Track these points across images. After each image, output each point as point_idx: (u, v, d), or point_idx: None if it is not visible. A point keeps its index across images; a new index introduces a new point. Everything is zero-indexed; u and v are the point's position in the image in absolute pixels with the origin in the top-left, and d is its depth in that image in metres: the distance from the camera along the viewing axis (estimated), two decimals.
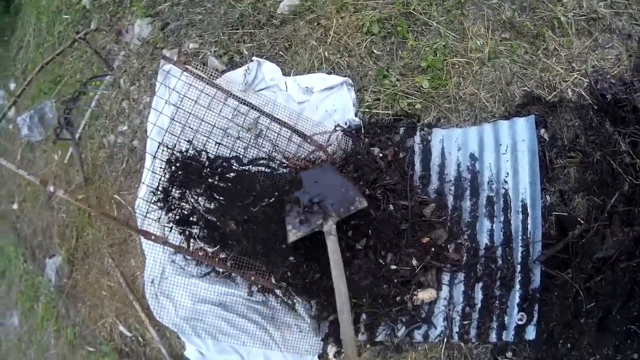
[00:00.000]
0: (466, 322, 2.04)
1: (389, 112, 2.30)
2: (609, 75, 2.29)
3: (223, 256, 2.19)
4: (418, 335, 2.08)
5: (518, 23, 2.37)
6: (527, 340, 2.00)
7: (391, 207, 2.10)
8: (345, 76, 2.42)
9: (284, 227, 2.02)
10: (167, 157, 2.23)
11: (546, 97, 2.20)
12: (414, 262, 2.04)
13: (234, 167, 2.33)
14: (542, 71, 2.27)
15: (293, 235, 1.95)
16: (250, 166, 2.36)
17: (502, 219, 2.04)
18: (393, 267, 2.04)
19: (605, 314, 2.00)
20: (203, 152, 2.25)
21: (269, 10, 2.89)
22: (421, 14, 2.47)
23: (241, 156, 2.35)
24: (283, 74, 2.62)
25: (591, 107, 2.18)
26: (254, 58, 2.70)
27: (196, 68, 2.42)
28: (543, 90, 2.23)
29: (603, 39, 2.34)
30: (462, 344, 2.06)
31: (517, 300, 1.99)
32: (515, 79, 2.28)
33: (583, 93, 2.20)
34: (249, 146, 2.34)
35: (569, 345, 2.02)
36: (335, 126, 2.31)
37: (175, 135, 2.20)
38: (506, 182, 2.07)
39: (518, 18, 2.39)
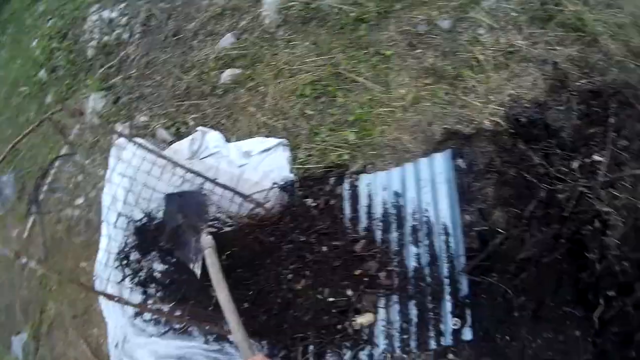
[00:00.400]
0: (405, 336, 2.22)
1: (320, 165, 2.56)
2: (523, 101, 2.58)
3: (179, 313, 2.36)
4: (363, 356, 2.24)
5: (439, 68, 2.67)
6: (465, 341, 2.19)
7: (324, 248, 2.34)
8: (281, 138, 2.69)
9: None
10: (123, 226, 2.43)
11: (464, 131, 2.48)
12: (349, 292, 2.26)
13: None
14: (462, 108, 2.54)
15: (197, 268, 2.08)
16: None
17: (426, 242, 2.29)
18: (331, 299, 2.26)
19: (538, 304, 2.22)
20: (155, 219, 2.47)
21: (212, 81, 3.22)
22: (350, 73, 2.79)
23: None
24: (225, 141, 2.88)
25: (506, 132, 2.47)
26: (198, 128, 2.96)
27: (146, 141, 2.68)
28: (462, 125, 2.50)
29: (519, 68, 2.62)
30: (404, 355, 2.23)
31: (449, 309, 2.19)
32: (436, 119, 2.55)
33: (499, 121, 2.48)
34: None
35: (507, 338, 2.23)
36: (273, 184, 2.57)
37: (130, 205, 2.41)
38: (427, 210, 2.33)
39: (439, 63, 2.69)
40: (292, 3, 3.15)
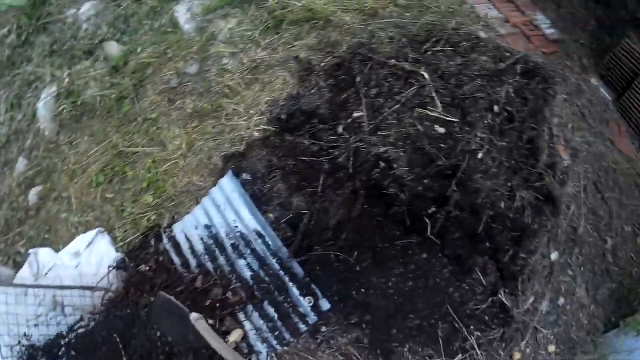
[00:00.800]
0: (277, 333, 2.51)
1: (138, 234, 2.82)
2: (279, 101, 2.94)
3: None
4: None
5: (200, 109, 3.02)
6: (326, 311, 2.50)
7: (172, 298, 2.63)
8: (97, 227, 2.90)
9: None
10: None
11: (239, 150, 2.83)
12: (210, 321, 2.57)
13: (60, 341, 2.67)
14: (231, 132, 2.90)
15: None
16: (71, 334, 2.73)
17: (249, 252, 2.62)
18: None
19: (372, 252, 2.60)
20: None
21: (23, 205, 3.33)
22: (128, 147, 3.07)
23: (62, 331, 2.70)
24: (55, 252, 3.01)
25: (273, 133, 2.84)
26: (30, 251, 3.06)
27: None
28: (236, 146, 2.85)
29: (267, 76, 3.00)
30: (285, 347, 2.53)
31: (297, 293, 2.52)
32: (213, 152, 2.89)
33: (265, 127, 2.85)
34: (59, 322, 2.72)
35: (362, 290, 2.59)
36: (108, 268, 2.78)
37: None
38: (236, 226, 2.66)
39: (199, 104, 3.03)
40: (61, 107, 3.36)
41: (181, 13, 3.39)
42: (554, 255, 3.19)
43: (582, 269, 3.39)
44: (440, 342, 2.67)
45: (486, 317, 2.81)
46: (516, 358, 2.90)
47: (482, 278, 2.80)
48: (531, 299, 2.96)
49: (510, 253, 2.83)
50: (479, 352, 2.70)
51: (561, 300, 3.18)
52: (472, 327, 2.78)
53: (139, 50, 3.38)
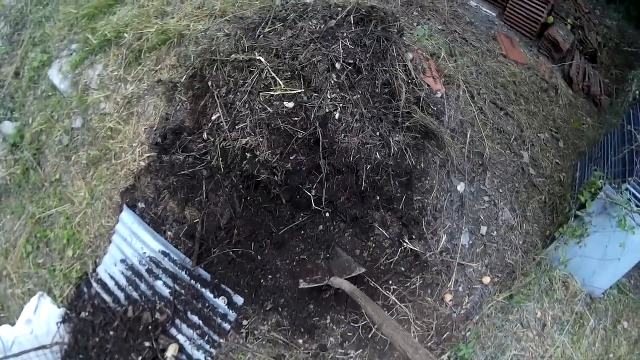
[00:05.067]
0: (206, 337, 2.77)
1: (71, 285, 3.08)
2: (154, 126, 3.12)
3: None
4: None
5: (92, 157, 3.22)
6: (242, 305, 2.72)
7: (112, 332, 2.85)
8: (38, 292, 3.19)
9: None
10: None
11: (130, 183, 3.02)
12: (147, 344, 2.80)
13: None
14: (122, 169, 3.10)
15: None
16: None
17: (161, 272, 2.86)
18: (139, 358, 2.78)
19: (270, 237, 2.76)
20: None
21: None
22: (43, 212, 3.32)
23: None
24: (12, 325, 3.20)
25: (156, 157, 3.01)
26: None
27: None
28: (129, 180, 3.05)
29: (140, 106, 3.19)
30: (219, 349, 2.75)
31: (211, 296, 2.76)
32: (112, 192, 3.11)
33: (149, 154, 3.02)
34: None
35: (269, 276, 2.76)
36: (57, 324, 3.06)
37: None
38: (145, 252, 2.90)
39: (92, 153, 3.23)
40: None
41: (55, 75, 3.57)
42: (460, 187, 3.22)
43: (500, 190, 3.41)
44: None
45: (402, 269, 2.95)
46: (448, 300, 2.99)
47: (384, 232, 2.93)
48: (444, 238, 3.06)
49: (404, 199, 2.94)
50: (402, 305, 2.81)
51: (483, 229, 3.23)
52: (390, 282, 2.90)
53: (30, 121, 3.61)
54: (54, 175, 3.37)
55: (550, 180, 3.70)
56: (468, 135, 3.41)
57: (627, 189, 3.02)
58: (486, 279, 3.14)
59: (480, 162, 3.42)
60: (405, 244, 2.88)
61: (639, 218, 2.94)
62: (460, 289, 3.03)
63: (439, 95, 3.25)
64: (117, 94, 3.37)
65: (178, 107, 3.18)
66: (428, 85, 3.18)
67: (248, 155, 2.73)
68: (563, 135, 4.00)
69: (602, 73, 4.50)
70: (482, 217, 3.27)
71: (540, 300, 3.10)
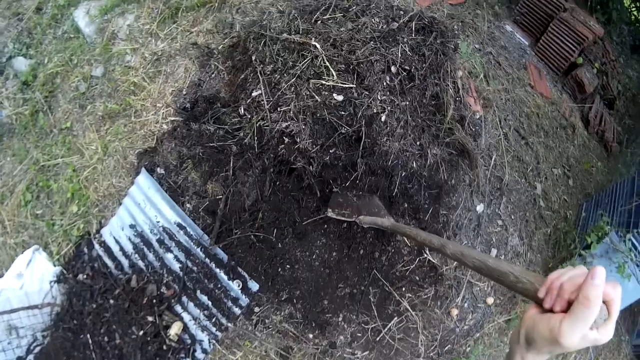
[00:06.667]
0: (214, 319, 2.67)
1: (71, 244, 2.90)
2: (183, 90, 2.96)
3: None
4: (199, 354, 2.66)
5: (110, 110, 3.03)
6: (256, 291, 2.65)
7: (111, 301, 2.73)
8: (33, 245, 2.98)
9: None
10: None
11: (151, 145, 2.87)
12: (150, 318, 2.70)
13: None
14: (142, 128, 2.93)
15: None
16: (29, 355, 2.86)
17: (174, 245, 2.72)
18: (141, 332, 2.68)
19: (292, 226, 2.70)
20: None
21: None
22: (48, 161, 3.10)
23: (21, 355, 2.86)
24: (0, 277, 3.10)
25: (181, 123, 2.85)
26: None
27: None
28: (148, 141, 2.89)
29: (169, 67, 3.01)
30: (225, 333, 2.70)
31: (225, 278, 2.65)
32: (127, 151, 2.94)
33: (173, 118, 2.88)
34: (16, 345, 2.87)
35: (288, 266, 2.71)
36: (50, 283, 2.88)
37: None
38: (159, 221, 2.75)
39: (109, 105, 3.04)
40: None
41: (80, 17, 3.32)
42: (479, 208, 3.27)
43: (512, 217, 3.48)
44: (374, 308, 2.81)
45: (417, 278, 2.97)
46: (454, 314, 3.04)
47: (405, 239, 2.92)
48: None
49: (431, 211, 2.95)
50: (413, 313, 2.84)
51: (494, 251, 3.29)
52: (404, 289, 2.91)
53: (46, 61, 3.35)
54: (65, 123, 3.14)
55: (557, 215, 3.81)
56: (492, 159, 3.45)
57: (630, 240, 3.22)
58: (490, 300, 3.21)
59: (498, 187, 3.47)
60: (425, 255, 2.89)
61: (635, 269, 3.13)
62: (466, 305, 3.08)
63: (477, 116, 3.27)
64: (146, 49, 3.18)
65: (213, 75, 3.02)
66: (469, 105, 3.18)
67: (286, 140, 2.65)
68: (574, 174, 4.13)
69: (616, 121, 4.68)
70: (494, 240, 3.33)
71: None
